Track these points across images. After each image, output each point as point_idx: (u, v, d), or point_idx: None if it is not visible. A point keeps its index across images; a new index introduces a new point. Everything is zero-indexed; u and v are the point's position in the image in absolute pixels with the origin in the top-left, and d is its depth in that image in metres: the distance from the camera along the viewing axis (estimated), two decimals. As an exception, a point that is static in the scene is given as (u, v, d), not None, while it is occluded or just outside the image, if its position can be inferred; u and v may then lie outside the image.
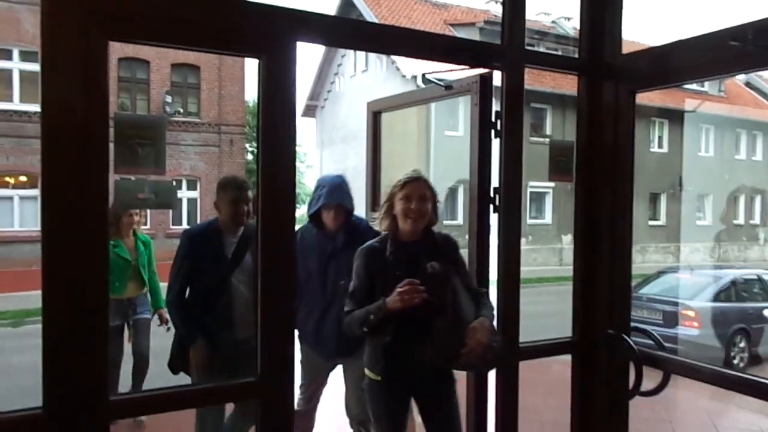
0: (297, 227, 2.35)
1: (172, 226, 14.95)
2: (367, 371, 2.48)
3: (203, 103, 15.74)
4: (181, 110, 15.40)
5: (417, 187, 2.38)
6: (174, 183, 2.71)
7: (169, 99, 15.03)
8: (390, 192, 2.44)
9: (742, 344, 7.68)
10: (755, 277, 8.77)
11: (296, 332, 2.99)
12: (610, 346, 2.46)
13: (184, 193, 15.37)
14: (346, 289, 2.50)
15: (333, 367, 3.26)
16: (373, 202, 3.45)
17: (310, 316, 3.09)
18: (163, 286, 3.88)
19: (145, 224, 15.18)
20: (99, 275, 1.65)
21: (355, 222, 3.16)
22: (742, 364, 7.51)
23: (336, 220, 3.05)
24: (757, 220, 23.72)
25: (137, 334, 4.35)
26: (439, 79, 2.78)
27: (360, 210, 3.24)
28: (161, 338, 4.06)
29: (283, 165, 1.92)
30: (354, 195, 3.16)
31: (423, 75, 2.75)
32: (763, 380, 2.02)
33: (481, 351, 2.18)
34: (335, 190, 3.05)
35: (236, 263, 3.01)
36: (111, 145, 1.69)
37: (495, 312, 2.35)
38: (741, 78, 24.28)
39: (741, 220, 23.37)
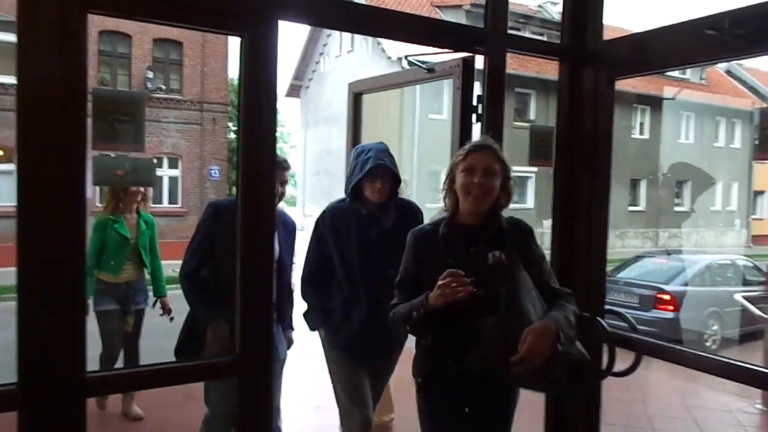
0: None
1: (152, 205, 14.77)
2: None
3: (186, 80, 15.51)
4: (163, 87, 15.16)
5: (483, 158, 1.96)
6: (154, 160, 2.64)
7: (150, 75, 14.78)
8: (451, 163, 2.04)
9: (715, 327, 7.87)
10: (729, 262, 8.97)
11: (320, 334, 2.79)
12: (585, 328, 2.51)
13: (165, 171, 15.19)
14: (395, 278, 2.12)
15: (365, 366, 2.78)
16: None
17: (350, 314, 2.62)
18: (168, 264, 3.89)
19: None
20: (76, 251, 1.64)
21: (403, 201, 2.77)
22: (714, 346, 7.71)
23: (382, 192, 2.59)
24: (733, 206, 24.14)
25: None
26: (422, 62, 2.78)
27: (339, 194, 3.01)
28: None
29: (265, 145, 1.92)
30: (341, 178, 2.93)
31: (405, 57, 2.75)
32: (732, 362, 2.09)
33: (538, 361, 1.74)
34: (383, 154, 2.58)
35: None
36: (89, 121, 1.68)
37: (573, 317, 1.92)
38: (722, 66, 24.49)
39: (718, 207, 23.77)
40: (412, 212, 2.73)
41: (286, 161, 2.71)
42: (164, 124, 14.89)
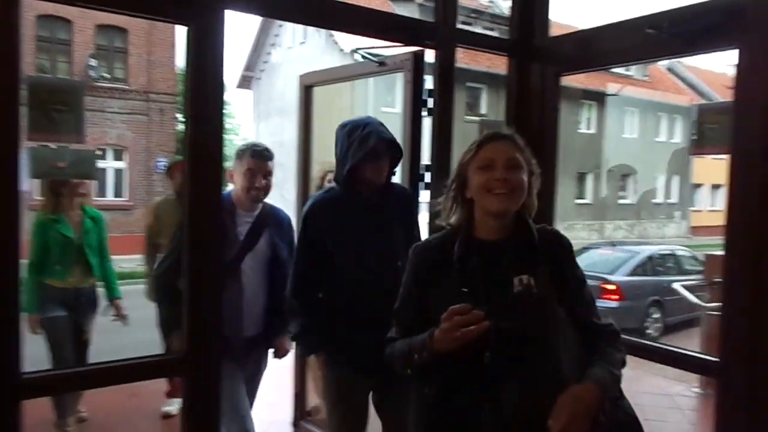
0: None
1: (96, 198, 14.30)
2: None
3: (131, 69, 15.00)
4: (107, 75, 14.63)
5: (502, 148, 1.51)
6: (98, 152, 2.52)
7: (93, 63, 14.22)
8: (459, 164, 1.58)
9: (656, 315, 8.20)
10: (669, 252, 9.36)
11: (313, 347, 2.28)
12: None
13: (109, 163, 14.69)
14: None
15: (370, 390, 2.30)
16: (304, 178, 3.41)
17: (358, 325, 2.12)
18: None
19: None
20: (8, 247, 1.57)
21: (396, 184, 2.35)
22: (656, 334, 8.04)
23: (382, 172, 2.19)
24: (674, 199, 25.16)
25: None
26: (374, 55, 2.77)
27: (290, 191, 2.84)
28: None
29: (212, 138, 1.88)
30: (293, 170, 2.81)
31: (356, 50, 2.73)
32: (664, 346, 2.18)
33: None
34: (383, 128, 2.17)
35: (249, 247, 2.46)
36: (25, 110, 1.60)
37: (622, 369, 1.46)
38: (664, 64, 25.43)
39: (660, 199, 24.74)
40: (408, 197, 2.36)
41: (267, 150, 2.48)
42: (108, 114, 14.36)
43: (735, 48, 1.79)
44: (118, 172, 14.88)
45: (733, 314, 1.80)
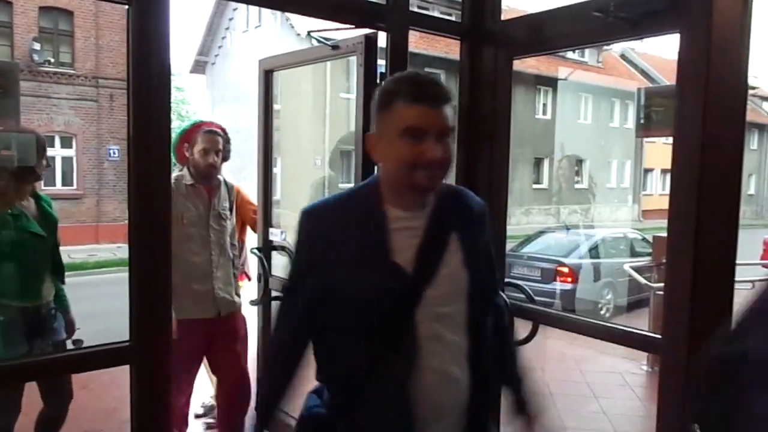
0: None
1: (44, 187, 13.79)
2: None
3: (78, 53, 14.43)
4: (52, 60, 14.05)
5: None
6: (37, 136, 2.33)
7: (37, 46, 13.62)
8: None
9: (609, 296, 8.45)
10: (621, 235, 9.64)
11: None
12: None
13: (57, 151, 14.15)
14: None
15: None
16: (265, 165, 3.35)
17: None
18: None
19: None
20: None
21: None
22: (608, 314, 8.28)
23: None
24: (626, 183, 25.88)
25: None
26: (327, 38, 2.74)
27: (251, 174, 3.06)
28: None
29: (157, 126, 1.82)
30: (251, 158, 3.01)
31: (308, 32, 2.69)
32: (611, 325, 2.25)
33: None
34: None
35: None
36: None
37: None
38: (617, 50, 26.00)
39: (613, 184, 25.41)
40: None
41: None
42: (55, 100, 13.82)
43: (677, 32, 1.83)
44: (67, 160, 14.36)
45: (675, 293, 1.86)
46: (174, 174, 2.82)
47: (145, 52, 1.79)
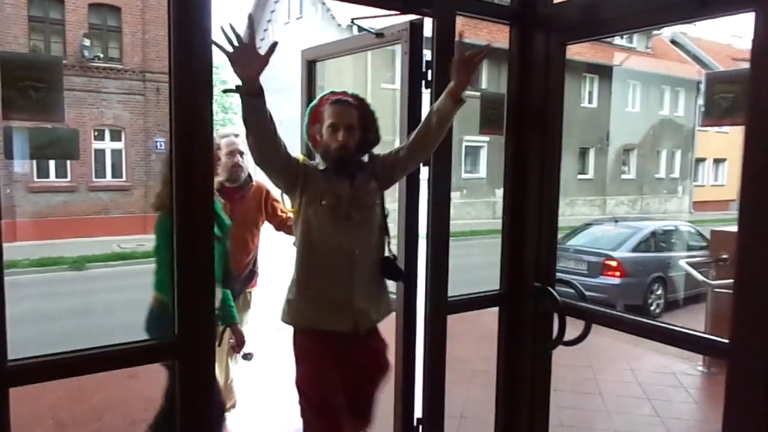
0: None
1: (94, 179, 14.21)
2: None
3: (126, 48, 14.77)
4: (101, 55, 14.41)
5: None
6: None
7: (87, 43, 13.99)
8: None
9: (659, 291, 8.15)
10: (673, 228, 9.27)
11: None
12: (535, 298, 2.50)
13: (107, 144, 14.56)
14: None
15: None
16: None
17: None
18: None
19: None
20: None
21: None
22: (658, 310, 7.99)
23: None
24: (676, 174, 25.00)
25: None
26: (370, 27, 2.66)
27: None
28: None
29: (199, 118, 1.78)
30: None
31: (351, 20, 2.61)
32: (670, 327, 2.11)
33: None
34: None
35: None
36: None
37: None
38: (667, 35, 25.04)
39: (662, 174, 24.58)
40: None
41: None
42: (104, 94, 14.20)
43: (751, 10, 1.68)
44: (116, 153, 14.75)
45: (747, 293, 1.72)
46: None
47: (187, 44, 1.75)
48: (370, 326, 2.33)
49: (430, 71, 2.36)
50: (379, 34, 2.61)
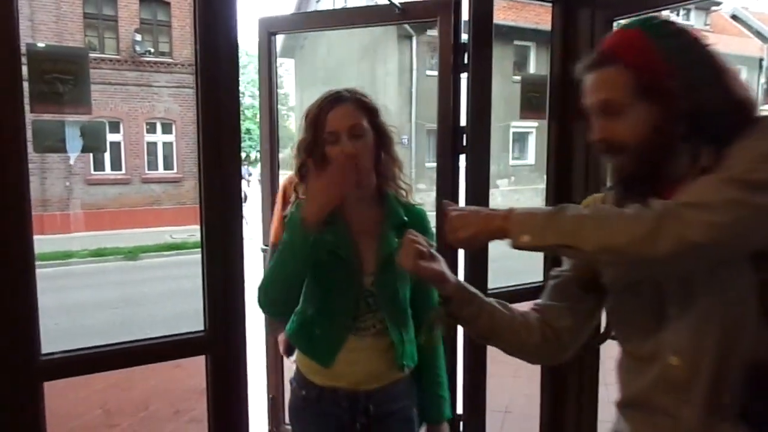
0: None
1: (147, 171, 14.63)
2: None
3: (175, 42, 15.09)
4: (152, 50, 14.78)
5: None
6: (105, 123, 2.40)
7: (138, 38, 14.38)
8: None
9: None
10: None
11: None
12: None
13: (158, 137, 14.97)
14: None
15: None
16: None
17: None
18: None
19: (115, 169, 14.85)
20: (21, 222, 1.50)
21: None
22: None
23: None
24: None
25: None
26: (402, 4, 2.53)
27: None
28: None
29: (227, 108, 1.75)
30: None
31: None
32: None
33: None
34: None
35: None
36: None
37: None
38: (727, 11, 23.78)
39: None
40: None
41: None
42: (156, 88, 14.57)
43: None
44: (167, 145, 15.15)
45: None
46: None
47: (212, 33, 1.73)
48: None
49: (466, 54, 2.25)
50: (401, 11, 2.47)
